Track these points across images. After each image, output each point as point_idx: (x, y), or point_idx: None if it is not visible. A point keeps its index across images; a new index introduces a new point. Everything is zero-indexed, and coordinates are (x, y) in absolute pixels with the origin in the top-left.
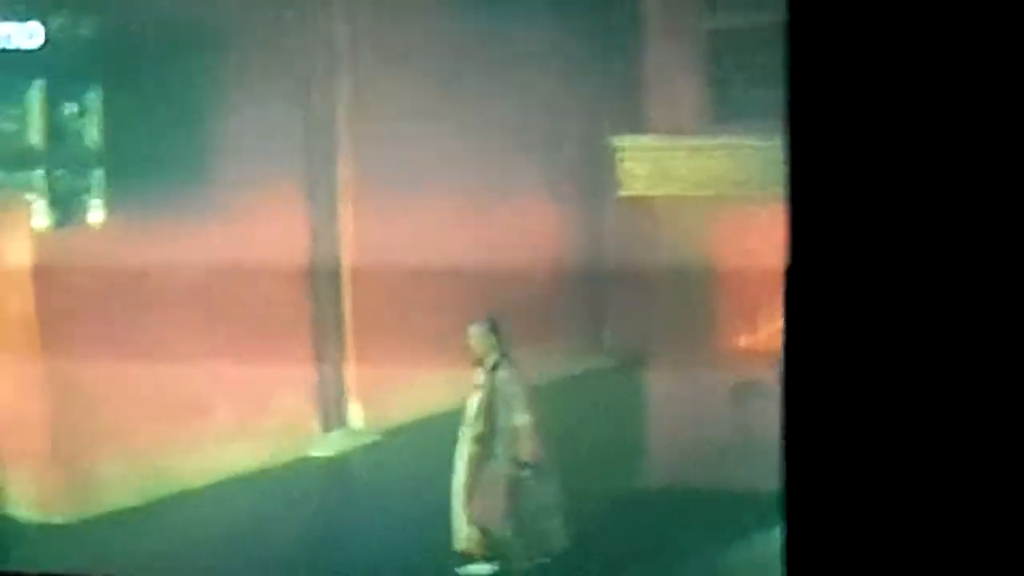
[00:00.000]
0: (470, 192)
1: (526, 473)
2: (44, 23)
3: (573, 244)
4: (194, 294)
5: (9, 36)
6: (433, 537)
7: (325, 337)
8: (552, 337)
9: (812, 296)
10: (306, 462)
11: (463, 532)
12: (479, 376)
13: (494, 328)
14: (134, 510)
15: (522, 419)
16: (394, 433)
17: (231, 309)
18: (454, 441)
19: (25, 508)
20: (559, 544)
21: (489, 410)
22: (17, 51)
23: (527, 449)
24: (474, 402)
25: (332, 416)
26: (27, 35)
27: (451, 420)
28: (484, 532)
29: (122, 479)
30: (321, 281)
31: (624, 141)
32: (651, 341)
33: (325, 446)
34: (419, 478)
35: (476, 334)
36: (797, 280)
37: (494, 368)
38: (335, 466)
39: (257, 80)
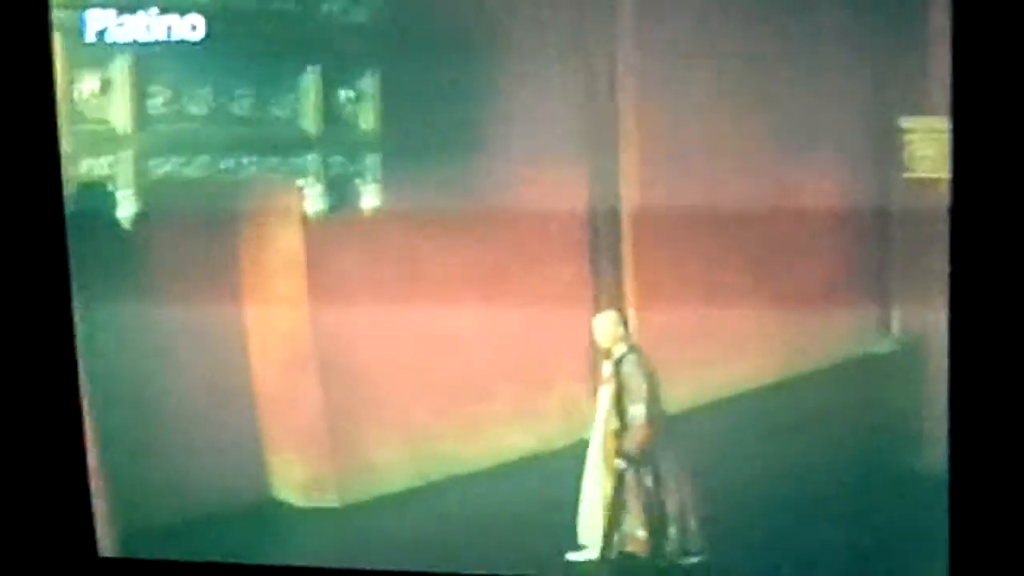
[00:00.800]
0: (751, 165)
1: (627, 465)
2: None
3: (857, 224)
4: (471, 277)
5: (170, 27)
6: (717, 520)
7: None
8: (835, 318)
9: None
10: (584, 446)
11: (592, 528)
12: (607, 369)
13: (621, 319)
14: (409, 494)
15: (636, 410)
16: (675, 417)
17: (508, 294)
18: (740, 426)
19: (295, 493)
20: (695, 544)
21: (618, 404)
22: (286, 38)
23: (635, 441)
24: (604, 396)
25: None
26: (189, 27)
27: (735, 405)
28: (611, 526)
29: (397, 462)
30: (603, 264)
31: (912, 122)
32: (936, 325)
33: None
34: (699, 463)
35: (603, 325)
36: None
37: (620, 360)
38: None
39: (538, 41)
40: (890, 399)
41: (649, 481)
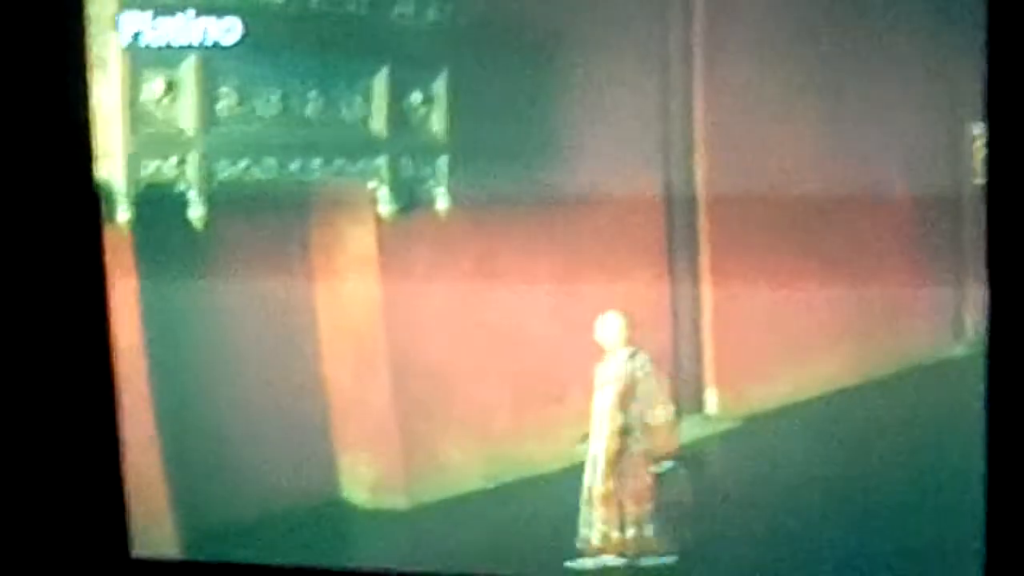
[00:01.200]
0: (822, 170)
1: (665, 468)
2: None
3: (929, 228)
4: (543, 278)
5: (205, 30)
6: (784, 529)
7: (682, 324)
8: (908, 323)
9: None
10: None
11: (600, 529)
12: (608, 369)
13: (628, 322)
14: (479, 496)
15: (661, 413)
16: (752, 420)
17: (581, 295)
18: (803, 433)
19: (363, 493)
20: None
21: (625, 404)
22: (358, 41)
23: (666, 443)
24: (607, 396)
25: (688, 402)
26: (224, 30)
27: (800, 410)
28: (622, 529)
29: (467, 463)
30: (679, 266)
31: (983, 128)
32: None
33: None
34: (772, 469)
35: (612, 326)
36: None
37: (631, 360)
38: (687, 454)
39: (611, 38)
40: (965, 404)
41: (681, 482)
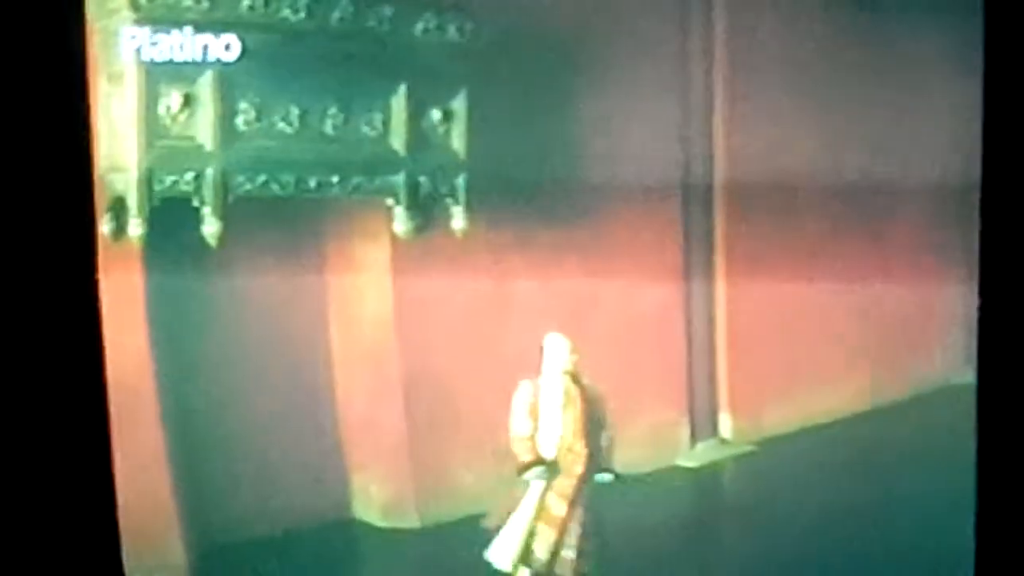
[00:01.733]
0: (839, 192)
1: (603, 479)
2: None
3: (942, 255)
4: (556, 302)
5: (206, 47)
6: (802, 554)
7: (697, 349)
8: (920, 350)
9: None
10: (673, 472)
11: (523, 547)
12: (549, 390)
13: (573, 346)
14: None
15: (606, 435)
16: (766, 444)
17: (598, 318)
18: (827, 454)
19: (375, 512)
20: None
21: (587, 433)
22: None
23: (604, 461)
24: (558, 419)
25: (702, 426)
26: (223, 47)
27: (826, 431)
28: (571, 554)
29: (479, 483)
30: (696, 291)
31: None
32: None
33: (693, 456)
34: (784, 493)
35: (559, 347)
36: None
37: (577, 387)
38: (703, 477)
39: (627, 58)
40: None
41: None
